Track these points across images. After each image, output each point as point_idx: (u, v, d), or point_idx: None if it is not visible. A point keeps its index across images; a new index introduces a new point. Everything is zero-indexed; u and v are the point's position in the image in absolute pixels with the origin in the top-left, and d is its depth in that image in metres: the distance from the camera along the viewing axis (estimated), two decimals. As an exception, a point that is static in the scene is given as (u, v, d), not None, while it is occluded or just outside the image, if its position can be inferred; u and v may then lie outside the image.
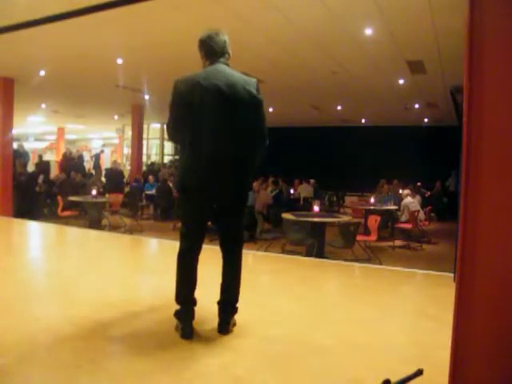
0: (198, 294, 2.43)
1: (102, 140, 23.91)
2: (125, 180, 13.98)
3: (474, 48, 1.34)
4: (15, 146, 11.72)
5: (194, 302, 2.43)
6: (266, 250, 6.41)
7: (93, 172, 16.06)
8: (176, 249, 2.42)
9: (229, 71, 2.36)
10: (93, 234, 6.77)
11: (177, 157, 16.79)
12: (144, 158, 15.89)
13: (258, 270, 4.37)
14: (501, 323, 1.35)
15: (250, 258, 4.89)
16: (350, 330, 2.64)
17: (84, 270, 4.02)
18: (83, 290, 3.32)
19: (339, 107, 12.30)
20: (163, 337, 2.40)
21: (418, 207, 8.43)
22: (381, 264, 5.82)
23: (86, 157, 18.56)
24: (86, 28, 5.68)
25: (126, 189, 12.10)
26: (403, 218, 8.28)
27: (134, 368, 2.05)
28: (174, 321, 2.44)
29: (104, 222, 8.85)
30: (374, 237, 6.83)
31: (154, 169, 14.66)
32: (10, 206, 9.07)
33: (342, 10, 5.09)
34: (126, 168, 17.09)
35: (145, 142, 15.93)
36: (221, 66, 2.38)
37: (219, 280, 2.48)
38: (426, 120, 13.83)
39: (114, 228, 8.56)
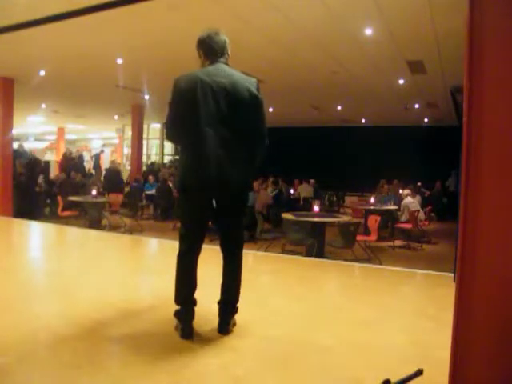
0: (197, 294, 2.43)
1: (102, 140, 23.91)
2: (125, 180, 13.98)
3: (474, 48, 1.34)
4: (15, 146, 11.73)
5: (193, 303, 2.42)
6: (266, 250, 6.41)
7: (93, 172, 16.07)
8: (176, 249, 2.42)
9: (229, 71, 2.36)
10: (93, 234, 6.77)
11: (177, 157, 16.79)
12: (144, 158, 15.89)
13: (258, 270, 4.37)
14: (501, 323, 1.35)
15: (250, 257, 4.89)
16: (350, 330, 2.64)
17: (84, 269, 4.02)
18: (83, 289, 3.32)
19: (339, 107, 12.30)
20: (163, 337, 2.40)
21: (418, 207, 8.43)
22: (381, 264, 5.82)
23: (86, 157, 18.58)
24: (85, 28, 5.68)
25: (126, 189, 12.11)
26: (403, 218, 8.28)
27: (133, 368, 2.05)
28: (174, 321, 2.44)
29: (104, 222, 8.85)
30: (373, 237, 6.83)
31: (154, 169, 14.67)
32: (10, 206, 9.07)
33: (342, 9, 5.09)
34: (126, 168, 17.10)
35: (145, 142, 15.93)
36: (221, 66, 2.37)
37: (219, 280, 2.48)
38: (426, 120, 13.83)
39: (113, 228, 8.56)
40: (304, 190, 11.92)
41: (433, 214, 9.74)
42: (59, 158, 16.31)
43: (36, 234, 6.66)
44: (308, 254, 5.88)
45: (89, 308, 2.84)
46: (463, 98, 1.40)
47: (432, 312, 3.04)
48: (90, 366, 2.04)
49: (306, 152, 15.67)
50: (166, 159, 17.87)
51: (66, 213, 8.82)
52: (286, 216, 6.48)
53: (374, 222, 6.90)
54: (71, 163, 14.13)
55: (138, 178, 12.04)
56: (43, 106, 13.26)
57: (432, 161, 12.87)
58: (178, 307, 2.41)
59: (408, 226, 8.16)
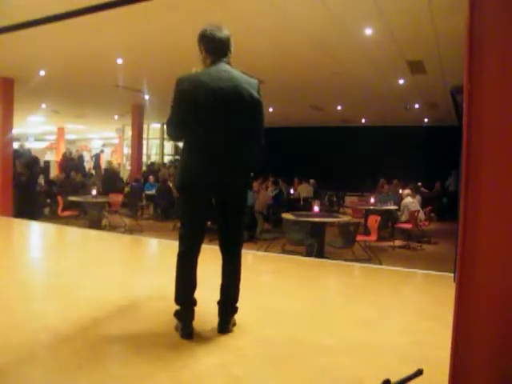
0: (197, 293, 2.43)
1: (102, 140, 23.92)
2: (125, 180, 13.98)
3: (474, 48, 1.34)
4: (16, 146, 11.74)
5: (193, 303, 2.42)
6: (266, 250, 6.41)
7: (93, 172, 16.08)
8: (176, 249, 2.42)
9: (231, 72, 2.35)
10: (93, 233, 6.77)
11: (177, 157, 16.81)
12: (144, 158, 15.89)
13: (258, 270, 4.37)
14: (501, 323, 1.35)
15: (250, 257, 4.89)
16: (350, 330, 2.64)
17: (84, 269, 4.02)
18: (83, 289, 3.32)
19: (339, 107, 12.30)
20: (163, 337, 2.40)
21: (418, 207, 8.43)
22: (381, 264, 5.82)
23: (86, 157, 18.59)
24: (86, 28, 5.68)
25: (126, 189, 12.12)
26: (403, 218, 8.28)
27: (133, 368, 2.05)
28: (174, 321, 2.44)
29: (104, 222, 8.85)
30: (373, 237, 6.83)
31: (154, 169, 14.68)
32: (10, 206, 9.07)
33: (341, 10, 5.09)
34: (126, 168, 17.10)
35: (145, 142, 15.93)
36: (224, 66, 2.36)
37: (219, 280, 2.48)
38: (426, 120, 13.83)
39: (113, 228, 8.57)
40: (304, 190, 11.92)
41: (433, 214, 9.74)
42: (59, 158, 16.31)
43: (36, 233, 6.66)
44: (308, 254, 5.89)
45: (89, 308, 2.84)
46: (463, 97, 1.40)
47: (432, 312, 3.04)
48: (90, 365, 2.04)
49: (306, 152, 15.66)
50: (166, 159, 17.88)
51: (66, 213, 8.83)
52: (286, 216, 6.48)
53: (374, 222, 6.90)
54: (71, 163, 14.14)
55: (137, 178, 12.05)
56: (43, 105, 13.26)
57: (432, 161, 12.87)
58: (177, 307, 2.42)
59: (408, 226, 8.16)
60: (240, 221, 2.52)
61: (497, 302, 1.36)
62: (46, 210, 10.36)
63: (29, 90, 9.59)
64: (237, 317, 2.53)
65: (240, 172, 2.39)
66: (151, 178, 12.19)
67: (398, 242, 8.10)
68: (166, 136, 15.78)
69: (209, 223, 2.55)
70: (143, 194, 11.33)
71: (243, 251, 2.55)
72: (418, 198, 9.58)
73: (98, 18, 4.79)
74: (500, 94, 1.34)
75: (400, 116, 13.05)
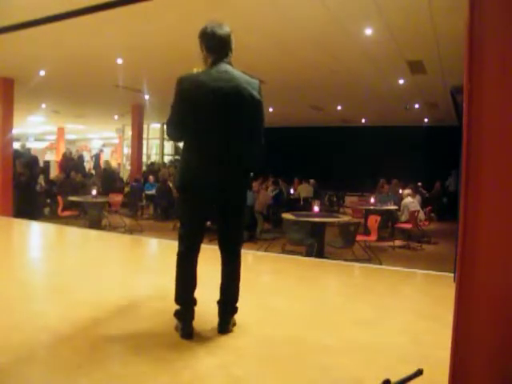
0: (197, 293, 2.43)
1: (102, 140, 23.92)
2: (125, 180, 13.97)
3: (474, 48, 1.34)
4: (17, 146, 11.73)
5: (193, 302, 2.42)
6: (266, 250, 6.42)
7: (93, 172, 16.08)
8: (176, 249, 2.42)
9: (232, 72, 2.34)
10: (93, 233, 6.77)
11: (177, 157, 16.81)
12: (144, 158, 15.90)
13: (258, 270, 4.37)
14: (501, 323, 1.35)
15: (250, 257, 4.89)
16: (350, 330, 2.64)
17: (84, 269, 4.02)
18: (83, 289, 3.32)
19: (339, 107, 12.30)
20: (163, 337, 2.40)
21: (418, 207, 8.43)
22: (381, 264, 5.82)
23: (87, 157, 18.59)
24: (86, 28, 5.68)
25: (126, 189, 12.12)
26: (403, 218, 8.28)
27: (133, 368, 2.05)
28: (174, 321, 2.44)
29: (104, 222, 8.85)
30: (373, 237, 6.83)
31: (154, 169, 14.68)
32: (10, 206, 9.07)
33: (341, 9, 5.09)
34: (126, 168, 17.10)
35: (145, 142, 15.93)
36: (225, 66, 2.35)
37: (219, 280, 2.48)
38: (426, 120, 13.83)
39: (113, 228, 8.57)
40: (304, 190, 11.91)
41: (433, 214, 9.74)
42: (59, 158, 16.32)
43: (36, 233, 6.66)
44: (308, 254, 5.89)
45: (89, 308, 2.84)
46: (463, 97, 1.40)
47: (432, 312, 3.04)
48: (90, 365, 2.04)
49: (306, 152, 15.66)
50: (166, 159, 17.88)
51: (66, 213, 8.82)
52: (286, 216, 6.48)
53: (374, 222, 6.90)
54: (71, 163, 14.14)
55: (137, 178, 12.06)
56: (43, 105, 13.25)
57: (432, 161, 12.87)
58: (177, 307, 2.42)
59: (408, 226, 8.16)
60: (240, 221, 2.52)
61: (497, 302, 1.36)
62: (46, 210, 10.37)
63: (29, 90, 9.59)
64: (237, 317, 2.53)
65: (240, 172, 2.39)
66: (151, 177, 12.19)
67: (398, 242, 8.10)
68: (165, 136, 15.77)
69: (209, 223, 2.55)
70: (143, 194, 11.32)
71: (243, 251, 2.56)
72: (418, 198, 9.59)
73: (97, 18, 4.79)
74: (500, 94, 1.34)
75: (400, 116, 13.04)
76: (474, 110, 1.35)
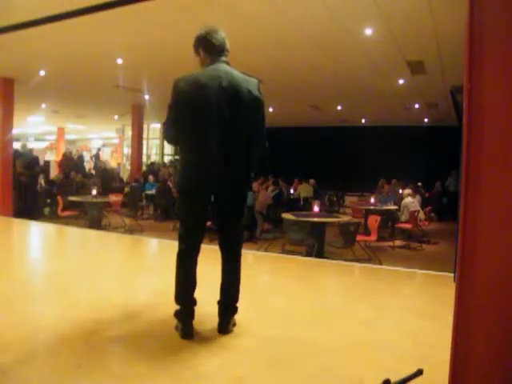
0: (197, 293, 2.43)
1: (102, 140, 23.92)
2: (125, 180, 13.97)
3: (474, 48, 1.34)
4: (18, 146, 11.72)
5: (193, 302, 2.42)
6: (265, 250, 6.41)
7: (93, 172, 16.09)
8: (176, 249, 2.42)
9: (230, 72, 2.35)
10: (93, 234, 6.77)
11: (177, 157, 16.80)
12: (144, 158, 15.90)
13: (258, 270, 4.37)
14: (501, 323, 1.35)
15: (250, 257, 4.89)
16: (350, 330, 2.64)
17: (84, 269, 4.02)
18: (83, 289, 3.32)
19: (339, 107, 12.30)
20: (163, 337, 2.40)
21: (418, 207, 8.43)
22: (381, 264, 5.82)
23: (86, 157, 18.58)
24: (86, 28, 5.68)
25: (126, 189, 12.12)
26: (403, 218, 8.28)
27: (133, 368, 2.05)
28: (174, 321, 2.44)
29: (104, 221, 8.85)
30: (373, 237, 6.83)
31: (154, 169, 14.68)
32: (10, 206, 9.07)
33: (342, 9, 5.09)
34: (126, 168, 17.10)
35: (145, 142, 15.93)
36: (222, 66, 2.36)
37: (219, 280, 2.48)
38: (426, 120, 13.83)
39: (114, 228, 8.56)
40: (304, 190, 11.91)
41: (433, 214, 9.74)
42: (59, 158, 16.32)
43: (36, 233, 6.66)
44: (308, 254, 5.89)
45: (89, 308, 2.84)
46: (463, 97, 1.40)
47: (432, 312, 3.04)
48: (90, 365, 2.04)
49: (306, 152, 15.66)
50: (166, 159, 17.88)
51: (66, 213, 8.82)
52: (286, 216, 6.48)
53: (374, 221, 6.90)
54: (71, 163, 14.14)
55: (137, 178, 12.05)
56: (43, 105, 13.25)
57: (432, 161, 12.86)
58: (178, 307, 2.41)
59: (408, 226, 8.16)
60: (240, 221, 2.52)
61: (497, 301, 1.36)
62: (46, 210, 10.36)
63: (29, 90, 9.59)
64: (237, 317, 2.53)
65: (240, 172, 2.39)
66: (151, 178, 12.18)
67: (398, 242, 8.10)
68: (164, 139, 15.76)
69: (209, 223, 2.54)
70: (143, 194, 11.32)
71: (243, 251, 2.55)
72: (418, 198, 9.59)
73: (97, 18, 4.78)
74: (500, 94, 1.34)
75: (400, 116, 13.04)
76: (474, 109, 1.35)
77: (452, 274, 3.81)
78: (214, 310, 2.47)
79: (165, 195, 10.43)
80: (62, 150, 17.97)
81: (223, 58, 2.39)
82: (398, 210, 8.64)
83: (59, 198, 8.95)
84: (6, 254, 4.70)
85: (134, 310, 2.85)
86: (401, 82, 8.64)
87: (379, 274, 4.35)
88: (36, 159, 12.01)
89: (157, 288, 3.42)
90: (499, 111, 1.34)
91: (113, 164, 20.42)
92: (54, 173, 13.86)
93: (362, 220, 7.89)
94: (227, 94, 2.27)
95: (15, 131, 11.23)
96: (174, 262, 2.41)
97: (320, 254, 5.96)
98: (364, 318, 2.88)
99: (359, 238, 6.59)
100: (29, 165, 10.23)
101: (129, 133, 15.40)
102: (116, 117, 15.70)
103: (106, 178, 12.13)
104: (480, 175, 1.35)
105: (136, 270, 4.21)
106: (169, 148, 18.32)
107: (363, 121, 14.91)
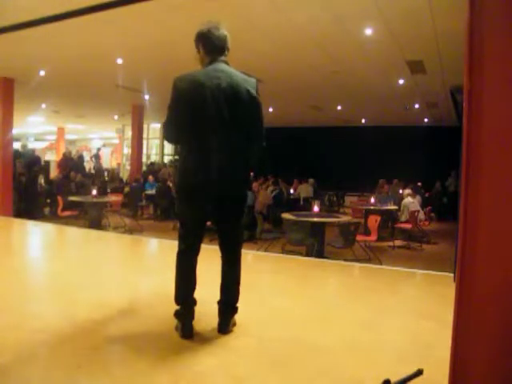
0: (197, 293, 2.43)
1: (102, 140, 23.91)
2: (125, 180, 13.97)
3: (474, 48, 1.34)
4: (18, 146, 11.73)
5: (193, 302, 2.42)
6: (265, 250, 6.42)
7: (93, 172, 16.09)
8: (176, 248, 2.42)
9: (229, 71, 2.35)
10: (93, 233, 6.77)
11: (177, 157, 16.79)
12: (144, 158, 15.89)
13: (258, 270, 4.37)
14: (501, 323, 1.35)
15: (250, 257, 4.89)
16: (350, 330, 2.64)
17: (84, 269, 4.02)
18: (83, 289, 3.32)
19: (339, 107, 12.30)
20: (163, 337, 2.40)
21: (418, 207, 8.43)
22: (381, 264, 5.82)
23: (86, 157, 18.56)
24: (86, 28, 5.68)
25: (126, 189, 12.12)
26: (403, 218, 8.28)
27: (133, 368, 2.05)
28: (174, 321, 2.44)
29: (104, 221, 8.85)
30: (373, 237, 6.83)
31: (154, 169, 14.68)
32: (10, 206, 9.07)
33: (342, 9, 5.09)
34: (126, 168, 17.10)
35: (145, 142, 15.93)
36: (222, 66, 2.36)
37: (219, 280, 2.48)
38: (426, 120, 13.83)
39: (113, 228, 8.56)
40: (304, 190, 11.92)
41: (433, 214, 9.73)
42: (59, 158, 16.32)
43: (36, 233, 6.66)
44: (308, 254, 5.89)
45: (89, 308, 2.84)
46: (463, 97, 1.40)
47: (432, 312, 3.04)
48: (90, 365, 2.04)
49: (306, 152, 15.66)
50: (166, 159, 17.88)
51: (66, 213, 8.82)
52: (286, 216, 6.48)
53: (374, 221, 6.90)
54: (71, 163, 14.14)
55: (137, 178, 12.06)
56: (43, 105, 13.25)
57: (432, 161, 12.87)
58: (177, 307, 2.41)
59: (408, 226, 8.16)
60: (240, 221, 2.52)
61: (497, 301, 1.36)
62: (46, 210, 10.36)
63: (29, 89, 9.59)
64: (237, 317, 2.53)
65: (239, 172, 2.39)
66: (151, 177, 12.18)
67: (398, 242, 8.10)
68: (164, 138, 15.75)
69: (209, 223, 2.54)
70: (143, 194, 11.33)
71: (243, 251, 2.55)
72: (418, 198, 9.59)
73: (97, 18, 4.79)
74: (500, 93, 1.34)
75: (400, 116, 13.04)
76: (474, 109, 1.35)
77: (452, 274, 3.81)
78: (213, 309, 2.47)
79: (165, 195, 10.44)
80: (62, 149, 17.97)
81: (222, 58, 2.38)
82: (398, 209, 8.64)
83: (59, 198, 8.96)
84: (6, 254, 4.70)
85: (134, 310, 2.85)
86: (401, 81, 8.64)
87: (379, 274, 4.35)
88: (38, 159, 12.02)
89: (157, 288, 3.41)
90: (499, 111, 1.34)
91: (112, 164, 20.41)
92: (53, 173, 13.87)
93: (362, 220, 7.89)
94: (226, 94, 2.27)
95: (15, 131, 11.23)
96: (174, 262, 2.41)
97: (320, 254, 5.96)
98: (364, 317, 2.88)
99: (359, 237, 6.59)
100: (29, 165, 10.24)
101: (129, 133, 15.40)
102: (116, 117, 15.70)
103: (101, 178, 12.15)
104: (480, 175, 1.35)
105: (136, 269, 4.21)
106: (169, 148, 18.32)
107: (363, 121, 14.90)
